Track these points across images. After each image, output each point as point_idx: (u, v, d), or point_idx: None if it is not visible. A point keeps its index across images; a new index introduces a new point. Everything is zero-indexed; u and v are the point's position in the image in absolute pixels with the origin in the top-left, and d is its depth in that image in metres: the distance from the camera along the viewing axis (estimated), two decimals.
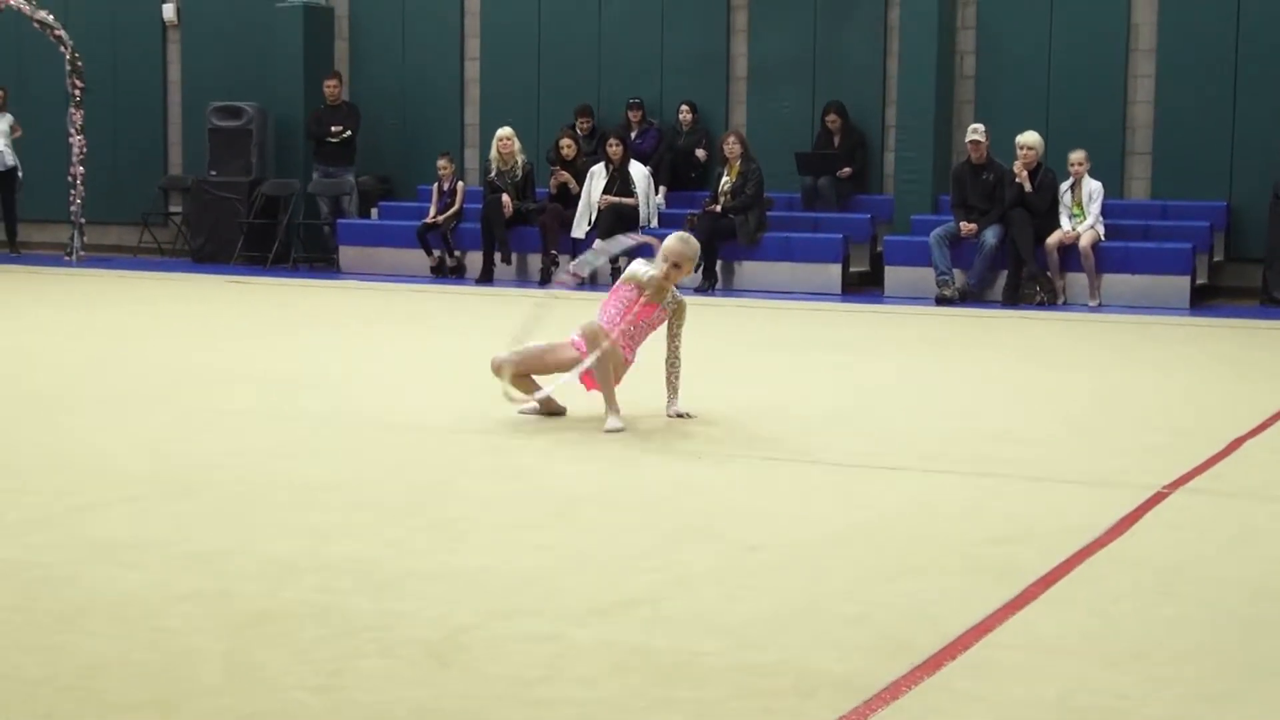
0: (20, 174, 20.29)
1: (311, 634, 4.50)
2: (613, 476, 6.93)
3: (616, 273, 17.22)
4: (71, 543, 5.59)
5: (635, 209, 17.05)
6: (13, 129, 20.15)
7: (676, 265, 8.13)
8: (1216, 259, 16.30)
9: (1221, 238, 16.35)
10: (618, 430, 7.87)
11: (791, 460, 7.32)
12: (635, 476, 6.94)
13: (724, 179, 16.85)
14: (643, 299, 8.16)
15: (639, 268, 8.19)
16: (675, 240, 8.24)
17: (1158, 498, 6.50)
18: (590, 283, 15.32)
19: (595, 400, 8.09)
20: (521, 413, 8.24)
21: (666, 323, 8.21)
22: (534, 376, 8.18)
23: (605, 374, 8.01)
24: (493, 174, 17.65)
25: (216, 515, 6.03)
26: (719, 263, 16.68)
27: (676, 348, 8.27)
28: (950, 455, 7.46)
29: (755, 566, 5.38)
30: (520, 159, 17.70)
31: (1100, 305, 15.44)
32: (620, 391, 8.03)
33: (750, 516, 6.14)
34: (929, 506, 6.35)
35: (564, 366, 8.10)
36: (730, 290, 16.72)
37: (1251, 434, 8.16)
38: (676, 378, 8.27)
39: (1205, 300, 15.89)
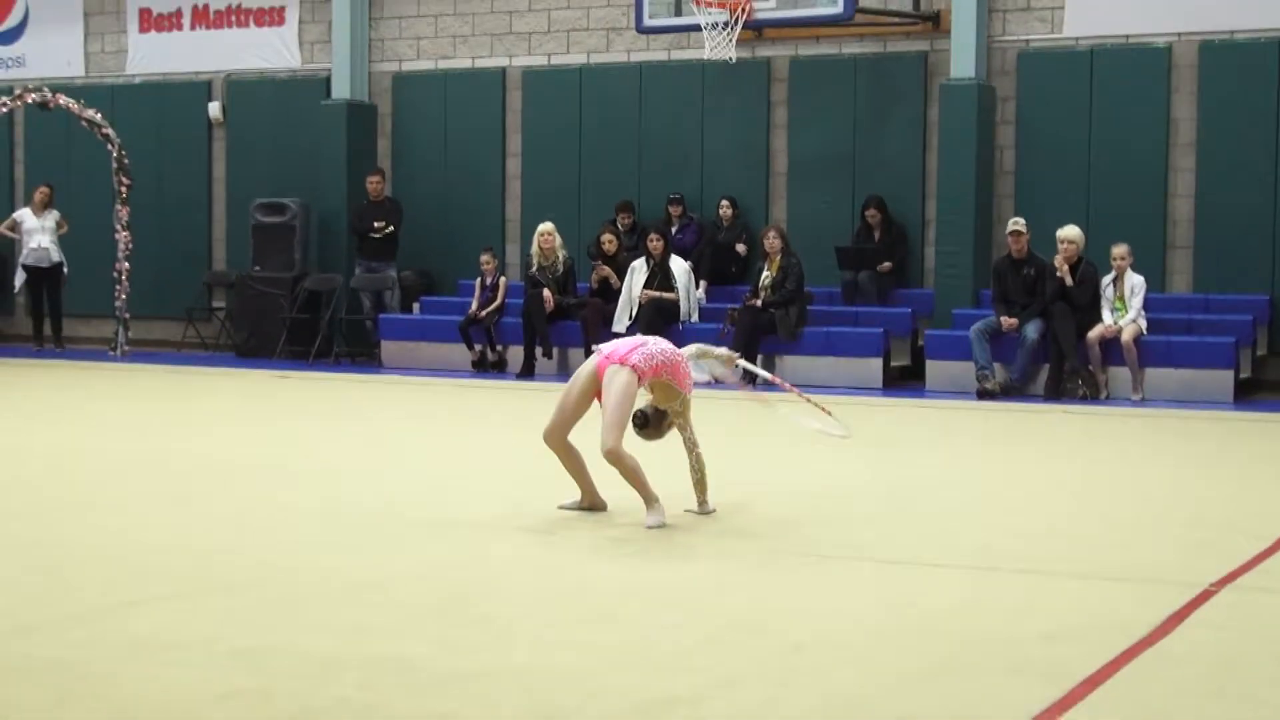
0: (65, 269, 20.46)
1: None
2: (655, 573, 6.91)
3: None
4: (112, 640, 5.59)
5: (676, 304, 17.08)
6: (59, 224, 20.33)
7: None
8: (1260, 353, 16.20)
9: (1265, 331, 16.26)
10: (659, 526, 7.85)
11: (835, 556, 7.29)
12: (678, 573, 6.91)
13: (765, 273, 16.87)
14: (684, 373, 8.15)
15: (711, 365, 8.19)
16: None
17: (1205, 595, 6.44)
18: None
19: (635, 496, 8.07)
20: (562, 508, 8.23)
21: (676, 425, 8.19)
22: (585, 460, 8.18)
23: (638, 475, 7.98)
24: (534, 269, 17.71)
25: (258, 612, 6.03)
26: (759, 357, 16.67)
27: (693, 441, 8.23)
28: (994, 552, 7.41)
29: (799, 665, 5.34)
30: (561, 254, 17.77)
31: (1143, 399, 15.36)
32: (658, 490, 8.01)
33: (794, 614, 6.11)
34: (974, 604, 6.30)
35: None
36: (758, 386, 16.65)
37: None
38: (702, 477, 8.24)
39: (1249, 394, 15.78)
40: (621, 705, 4.82)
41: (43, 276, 20.34)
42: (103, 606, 6.10)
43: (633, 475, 8.00)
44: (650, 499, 7.98)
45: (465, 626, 5.84)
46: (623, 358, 8.00)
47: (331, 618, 5.92)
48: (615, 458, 7.93)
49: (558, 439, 8.12)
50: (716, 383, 8.62)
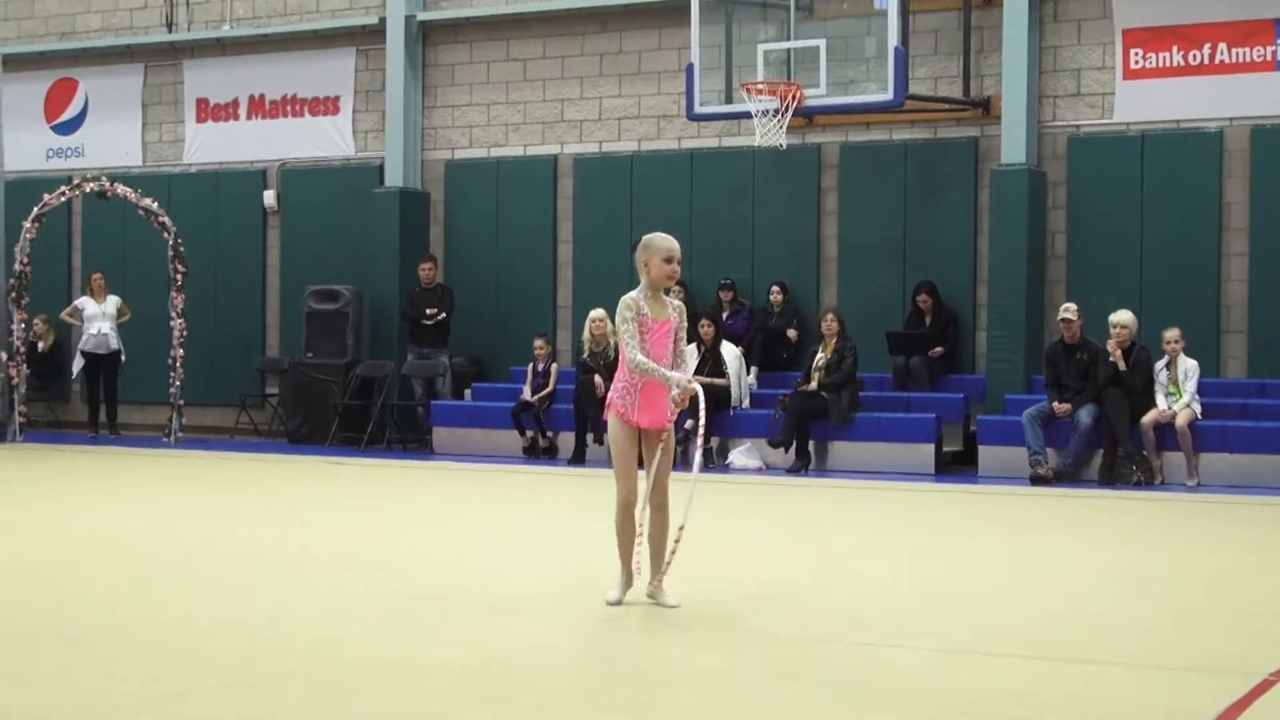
0: (123, 356, 20.61)
1: None
2: (706, 659, 6.86)
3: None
4: None
5: (727, 390, 17.08)
6: (120, 311, 20.49)
7: (669, 259, 8.06)
8: None
9: None
10: (616, 603, 7.93)
11: (885, 645, 7.23)
12: (729, 660, 6.86)
13: (819, 354, 16.89)
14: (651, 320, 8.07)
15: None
16: (657, 239, 8.15)
17: (1265, 685, 6.36)
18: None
19: (689, 587, 8.03)
20: (610, 604, 8.08)
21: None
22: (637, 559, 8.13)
23: (627, 539, 7.96)
24: (586, 355, 17.74)
25: (307, 701, 6.02)
26: (811, 442, 16.65)
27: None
28: (1049, 640, 7.35)
29: None
30: (612, 340, 17.80)
31: (1199, 485, 15.24)
32: (693, 565, 7.96)
33: (844, 704, 6.06)
34: (1029, 694, 6.24)
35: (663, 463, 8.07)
36: (823, 470, 16.65)
37: None
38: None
39: None
40: None
41: (100, 363, 20.50)
42: (152, 695, 6.09)
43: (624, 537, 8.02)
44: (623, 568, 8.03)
45: (516, 715, 5.81)
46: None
47: (381, 707, 5.91)
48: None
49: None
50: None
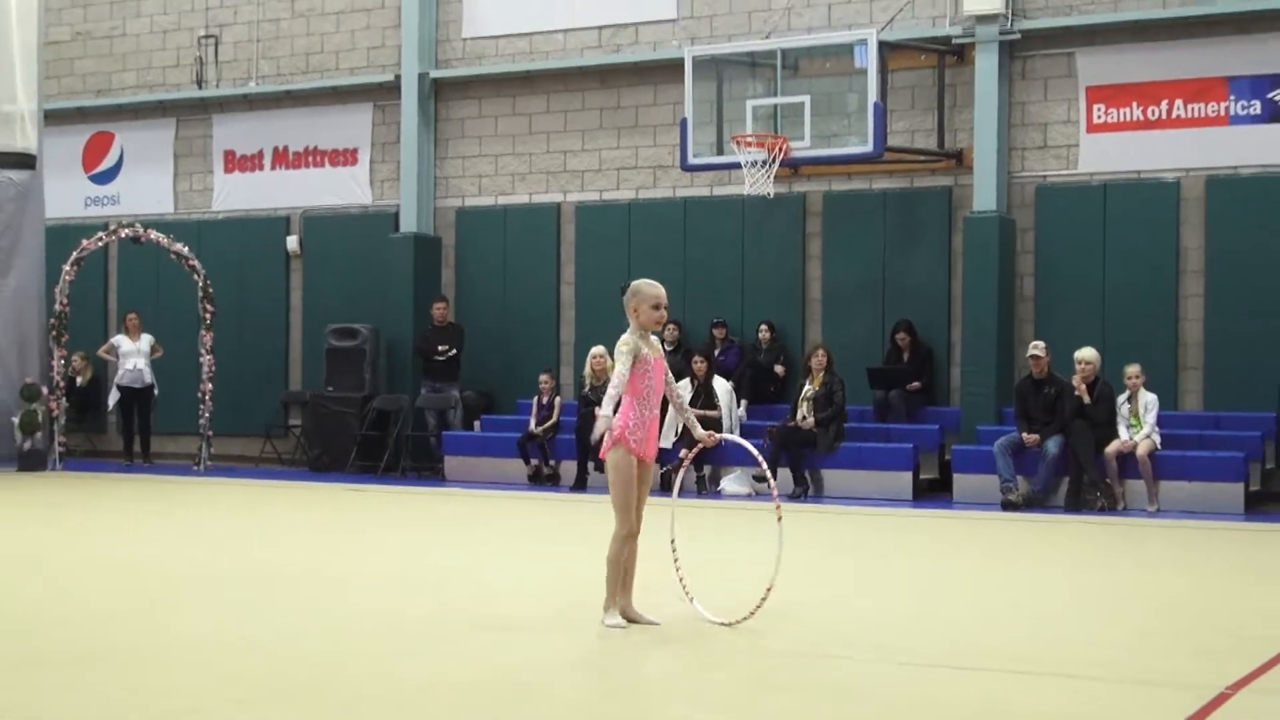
0: (155, 390, 20.61)
1: None
2: (699, 675, 6.83)
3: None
4: None
5: (718, 421, 17.03)
6: (153, 349, 20.52)
7: (656, 305, 8.01)
8: (1268, 466, 16.03)
9: (1272, 446, 16.09)
10: (643, 622, 7.84)
11: (866, 659, 7.19)
12: (719, 675, 6.83)
13: (807, 387, 16.90)
14: (644, 361, 7.97)
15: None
16: (645, 285, 8.10)
17: (1221, 698, 6.33)
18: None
19: (680, 608, 7.99)
20: (609, 626, 8.00)
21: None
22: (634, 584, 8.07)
23: (614, 574, 7.89)
24: (587, 388, 17.72)
25: (319, 717, 5.97)
26: (807, 471, 16.67)
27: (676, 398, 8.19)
28: (1022, 656, 7.31)
29: None
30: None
31: (1158, 511, 15.21)
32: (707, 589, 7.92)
33: (831, 717, 6.02)
34: (1003, 707, 6.20)
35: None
36: (808, 496, 16.61)
37: None
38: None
39: (1259, 506, 15.61)
40: None
41: (135, 397, 20.51)
42: (172, 710, 6.06)
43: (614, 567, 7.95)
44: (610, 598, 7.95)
45: None
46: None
47: (394, 717, 5.87)
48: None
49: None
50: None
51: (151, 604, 8.82)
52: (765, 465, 8.68)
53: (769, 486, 8.50)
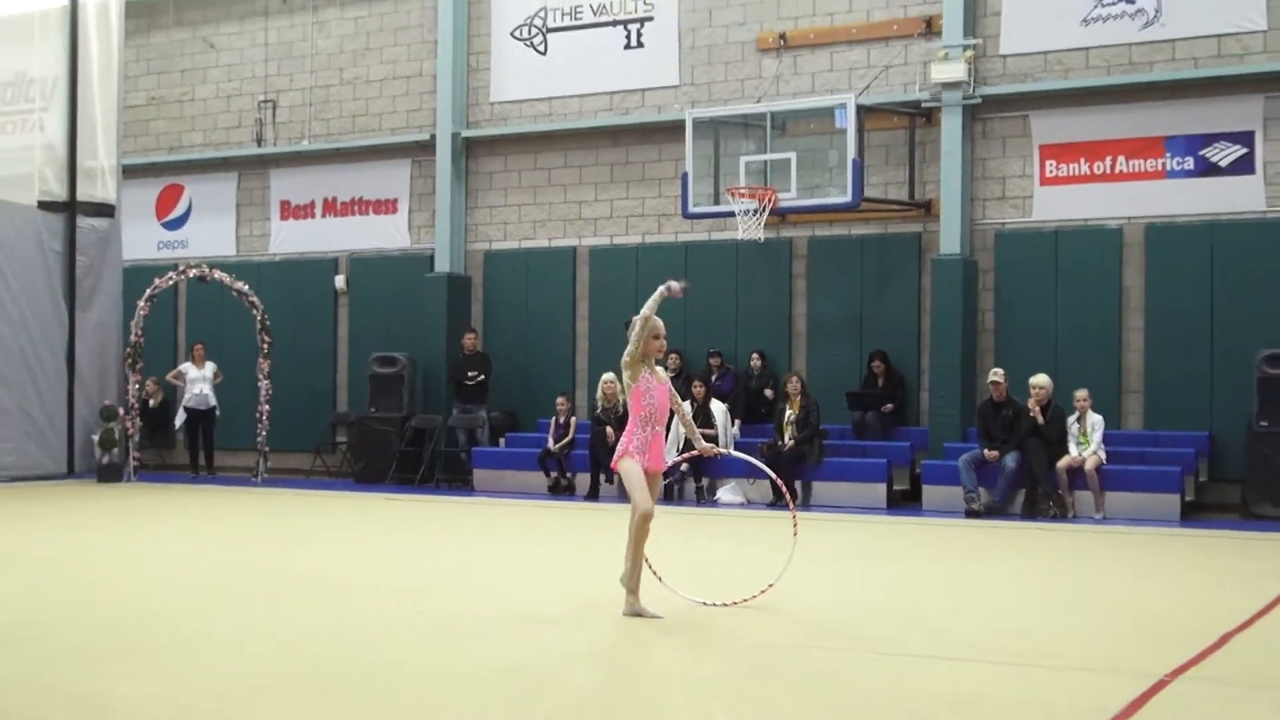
0: (218, 412, 20.64)
1: None
2: (698, 666, 6.81)
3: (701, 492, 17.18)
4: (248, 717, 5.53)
5: (715, 438, 17.00)
6: (216, 375, 20.56)
7: (656, 336, 8.06)
8: (1202, 479, 16.00)
9: (1205, 462, 16.06)
10: (647, 616, 7.83)
11: (852, 650, 7.18)
12: (714, 666, 6.81)
13: (787, 411, 16.90)
14: (644, 379, 8.00)
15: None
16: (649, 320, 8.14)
17: (1160, 685, 6.31)
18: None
19: (680, 603, 7.96)
20: (627, 614, 8.03)
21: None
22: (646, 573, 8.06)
23: (640, 545, 7.88)
24: (599, 410, 17.72)
25: (359, 704, 5.95)
26: (798, 482, 16.65)
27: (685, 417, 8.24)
28: (984, 646, 7.29)
29: None
30: (620, 398, 17.76)
31: (1104, 518, 15.17)
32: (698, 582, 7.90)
33: (812, 703, 6.00)
34: (970, 692, 6.19)
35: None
36: (798, 507, 16.57)
37: (1238, 630, 7.93)
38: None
39: (1193, 515, 15.58)
40: None
41: (200, 417, 20.56)
42: (239, 689, 6.06)
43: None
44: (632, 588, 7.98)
45: (536, 709, 5.76)
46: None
47: (425, 706, 5.85)
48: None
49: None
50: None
51: (216, 600, 8.80)
52: (784, 487, 8.84)
53: (789, 504, 8.66)
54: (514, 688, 6.18)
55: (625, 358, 8.08)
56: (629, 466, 8.00)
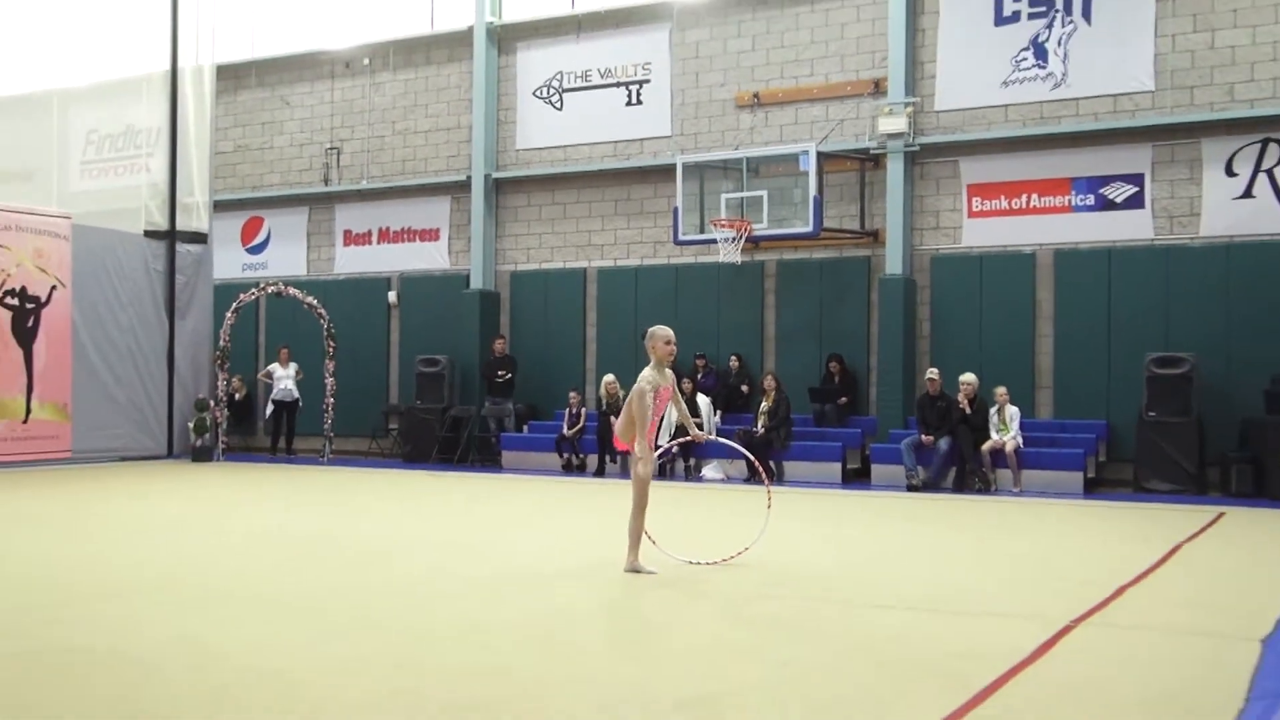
0: (301, 403, 20.65)
1: None
2: (685, 610, 6.79)
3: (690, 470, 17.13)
4: (307, 655, 5.50)
5: (700, 425, 17.00)
6: (297, 373, 20.58)
7: (667, 342, 7.95)
8: (1101, 459, 16.01)
9: (1104, 445, 16.08)
10: (644, 572, 7.74)
11: (818, 599, 7.17)
12: (697, 610, 6.80)
13: (764, 403, 16.90)
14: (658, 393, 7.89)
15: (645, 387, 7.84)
16: (659, 329, 8.05)
17: (1067, 629, 6.30)
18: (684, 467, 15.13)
19: (670, 562, 7.93)
20: (627, 570, 7.99)
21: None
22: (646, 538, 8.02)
23: (638, 524, 7.82)
24: (604, 405, 17.72)
25: (398, 644, 5.94)
26: (771, 462, 16.62)
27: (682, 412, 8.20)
28: (919, 597, 7.28)
29: (786, 677, 5.24)
30: (621, 393, 17.73)
31: (1021, 492, 15.17)
32: (694, 541, 7.88)
33: (781, 640, 6.00)
34: (910, 633, 6.18)
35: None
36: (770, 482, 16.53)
37: (1132, 583, 7.92)
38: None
39: (1094, 488, 15.58)
40: (665, 701, 4.72)
41: (285, 408, 20.57)
42: (302, 638, 6.04)
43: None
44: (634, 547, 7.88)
45: (553, 651, 5.75)
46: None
47: (458, 649, 5.84)
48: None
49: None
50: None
51: (285, 559, 8.79)
52: (760, 466, 8.80)
53: (764, 480, 8.64)
54: (533, 634, 6.17)
55: (644, 384, 7.89)
56: (647, 473, 7.77)
